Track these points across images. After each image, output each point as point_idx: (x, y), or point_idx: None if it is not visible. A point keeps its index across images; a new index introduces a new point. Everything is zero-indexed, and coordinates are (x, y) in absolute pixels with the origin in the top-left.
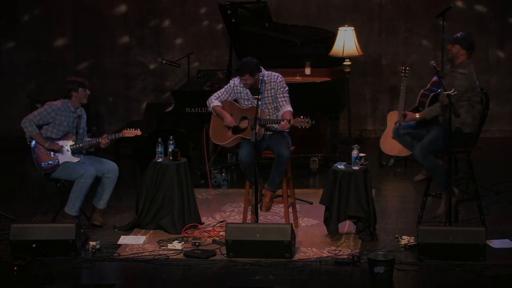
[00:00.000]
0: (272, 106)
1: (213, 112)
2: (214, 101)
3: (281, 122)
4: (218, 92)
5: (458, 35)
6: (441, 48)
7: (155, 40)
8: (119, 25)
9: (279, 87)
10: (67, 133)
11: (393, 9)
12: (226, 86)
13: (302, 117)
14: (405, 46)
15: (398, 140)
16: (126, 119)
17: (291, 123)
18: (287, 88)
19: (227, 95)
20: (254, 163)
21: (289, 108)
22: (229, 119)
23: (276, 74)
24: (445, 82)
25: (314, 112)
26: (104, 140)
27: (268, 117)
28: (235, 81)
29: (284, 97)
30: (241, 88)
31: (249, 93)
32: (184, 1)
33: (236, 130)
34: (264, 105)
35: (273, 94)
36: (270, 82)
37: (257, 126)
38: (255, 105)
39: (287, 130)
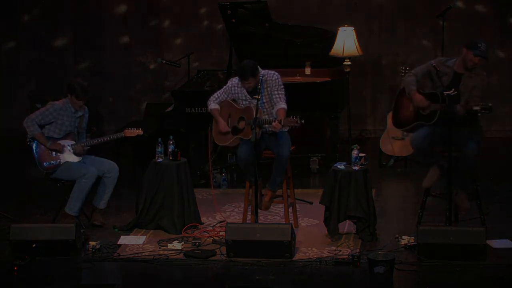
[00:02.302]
0: (270, 105)
1: (210, 112)
2: (212, 104)
3: (273, 123)
4: (218, 92)
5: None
6: (441, 48)
7: (155, 40)
8: (119, 25)
9: (274, 84)
10: (69, 132)
11: (393, 9)
12: (224, 87)
13: (292, 117)
14: (405, 46)
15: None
16: (126, 119)
17: (282, 123)
18: (283, 86)
19: (226, 96)
20: (254, 163)
21: (282, 105)
22: (221, 125)
23: (273, 72)
24: (470, 83)
25: (314, 112)
26: (79, 147)
27: (266, 116)
28: (233, 81)
29: (279, 94)
30: (239, 89)
31: (246, 93)
32: (184, 1)
33: (235, 131)
34: (262, 104)
35: (269, 92)
36: (267, 80)
37: (249, 126)
38: (252, 105)
39: (284, 130)
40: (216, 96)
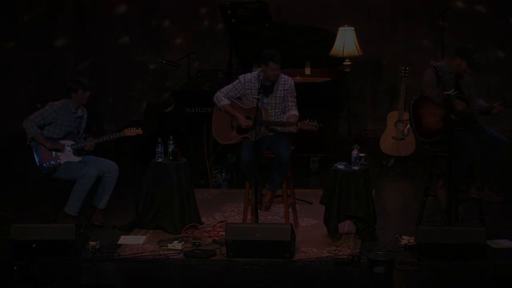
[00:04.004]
0: (280, 108)
1: (222, 109)
2: (223, 99)
3: (289, 127)
4: (226, 88)
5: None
6: (441, 48)
7: (155, 40)
8: (119, 25)
9: (291, 91)
10: (69, 133)
11: (393, 9)
12: (234, 83)
13: (308, 120)
14: (405, 46)
15: None
16: (126, 119)
17: (298, 126)
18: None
19: (236, 92)
20: (254, 163)
21: (295, 112)
22: (242, 120)
23: (289, 77)
24: (465, 84)
25: (314, 112)
26: (90, 143)
27: (274, 118)
28: (245, 77)
29: (293, 101)
30: (252, 85)
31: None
32: (184, 1)
33: (240, 130)
34: (272, 106)
35: (283, 95)
36: (284, 84)
37: (262, 127)
38: (262, 105)
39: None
40: (226, 92)
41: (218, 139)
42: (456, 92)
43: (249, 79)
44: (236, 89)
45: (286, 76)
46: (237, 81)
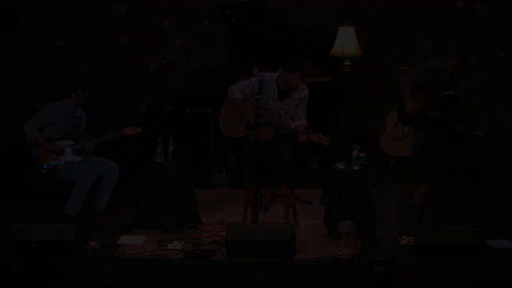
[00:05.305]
0: (290, 114)
1: (233, 102)
2: (237, 93)
3: (300, 136)
4: (243, 83)
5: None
6: (441, 48)
7: (155, 40)
8: (119, 25)
9: (305, 100)
10: (68, 133)
11: (393, 9)
12: (252, 80)
13: (322, 134)
14: (405, 46)
15: None
16: (126, 119)
17: (310, 137)
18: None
19: (252, 88)
20: (255, 162)
21: (305, 122)
22: (250, 119)
23: (305, 86)
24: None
25: (314, 112)
26: (90, 143)
27: (282, 121)
28: (265, 76)
29: (304, 110)
30: (271, 86)
31: (276, 93)
32: (184, 1)
33: (249, 127)
34: (284, 111)
35: (296, 103)
36: (300, 92)
37: (272, 129)
38: (274, 107)
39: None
40: (241, 87)
41: (223, 129)
42: (455, 92)
43: (267, 79)
44: (253, 86)
45: (303, 85)
46: (254, 78)
